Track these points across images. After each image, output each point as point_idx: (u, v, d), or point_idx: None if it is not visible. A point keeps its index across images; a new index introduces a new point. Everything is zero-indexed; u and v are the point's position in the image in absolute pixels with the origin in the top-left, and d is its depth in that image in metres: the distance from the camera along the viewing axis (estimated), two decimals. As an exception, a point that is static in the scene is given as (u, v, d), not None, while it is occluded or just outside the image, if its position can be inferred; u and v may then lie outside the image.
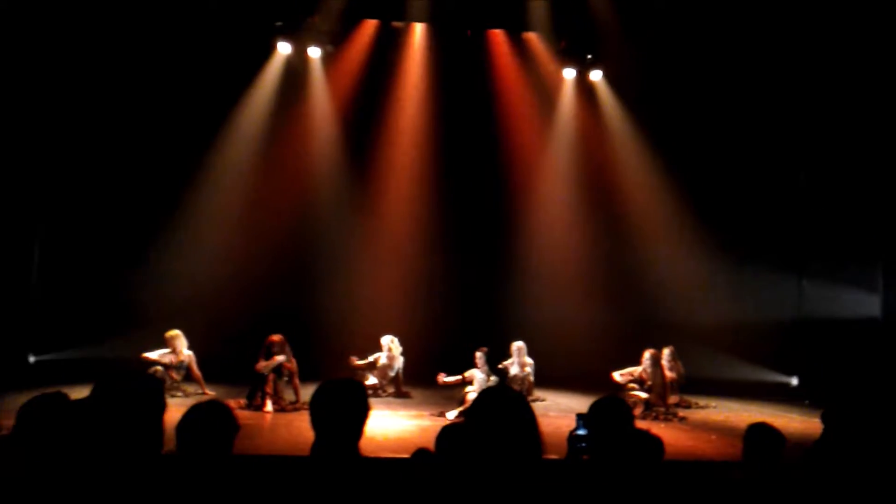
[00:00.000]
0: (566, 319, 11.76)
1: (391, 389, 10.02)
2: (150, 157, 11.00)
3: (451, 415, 8.21)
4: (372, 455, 5.52)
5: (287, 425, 7.42)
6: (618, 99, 12.28)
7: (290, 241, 11.49)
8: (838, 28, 10.04)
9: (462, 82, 11.89)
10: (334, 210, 12.02)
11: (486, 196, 12.31)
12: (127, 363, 8.88)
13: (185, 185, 11.14)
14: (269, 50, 11.31)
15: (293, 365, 8.71)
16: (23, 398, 2.61)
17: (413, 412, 8.55)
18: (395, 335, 10.12)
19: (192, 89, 10.85)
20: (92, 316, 10.52)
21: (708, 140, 11.66)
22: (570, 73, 12.06)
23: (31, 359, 10.51)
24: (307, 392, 2.48)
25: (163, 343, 9.24)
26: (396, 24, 11.73)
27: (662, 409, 8.69)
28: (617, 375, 9.12)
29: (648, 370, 8.81)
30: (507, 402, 2.12)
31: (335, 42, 11.52)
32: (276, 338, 8.66)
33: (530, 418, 2.09)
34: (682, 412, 8.97)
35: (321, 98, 12.00)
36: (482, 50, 11.96)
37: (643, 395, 8.78)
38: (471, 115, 12.06)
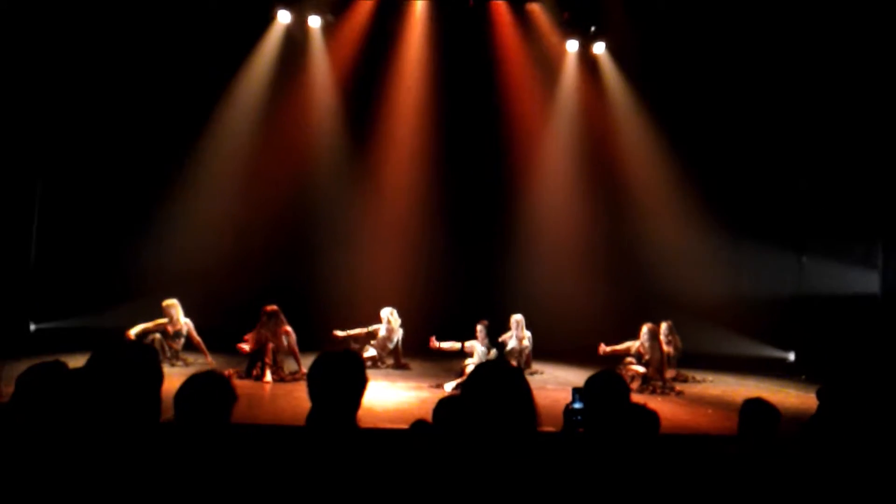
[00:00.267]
0: (565, 293, 11.78)
1: (390, 361, 10.08)
2: (149, 126, 10.93)
3: (449, 386, 8.27)
4: (370, 426, 5.57)
5: (286, 395, 7.47)
6: (620, 72, 12.17)
7: (290, 213, 11.48)
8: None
9: (464, 54, 11.76)
10: (334, 181, 11.98)
11: (486, 169, 12.26)
12: (124, 333, 8.90)
13: (184, 156, 11.11)
14: (269, 19, 11.19)
15: (291, 335, 8.75)
16: (23, 366, 2.63)
17: (412, 384, 8.61)
18: (395, 307, 10.15)
19: (191, 59, 10.75)
20: (92, 285, 10.55)
21: (710, 115, 11.57)
22: (572, 46, 11.95)
23: (32, 327, 10.55)
24: (308, 363, 2.48)
25: (161, 312, 9.27)
26: (398, -7, 11.59)
27: (660, 383, 8.75)
28: (605, 347, 9.20)
29: (646, 344, 8.86)
30: (502, 376, 2.13)
31: (336, 11, 11.38)
32: (271, 308, 8.72)
33: (526, 392, 2.10)
34: (679, 386, 9.03)
35: (321, 68, 11.88)
36: (484, 21, 11.79)
37: (640, 368, 8.84)
38: (472, 88, 11.95)
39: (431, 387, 8.37)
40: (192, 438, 2.30)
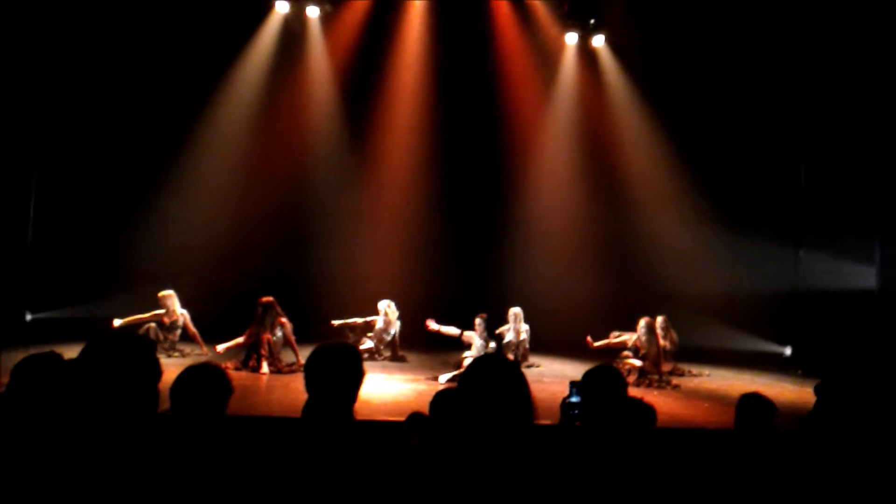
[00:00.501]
0: (563, 286, 11.79)
1: (387, 353, 10.09)
2: (146, 117, 10.87)
3: (444, 378, 8.29)
4: (367, 418, 5.57)
5: (283, 387, 7.48)
6: (620, 66, 12.14)
7: (287, 203, 11.45)
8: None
9: (462, 45, 11.72)
10: (332, 172, 11.94)
11: (485, 162, 12.23)
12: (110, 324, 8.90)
13: (181, 146, 11.05)
14: (267, 9, 11.13)
15: (287, 326, 8.75)
16: (19, 356, 2.62)
17: (409, 376, 8.61)
18: (393, 300, 10.15)
19: (189, 49, 10.68)
20: (89, 275, 10.52)
21: (708, 109, 11.55)
22: (572, 38, 11.90)
23: (28, 317, 10.53)
24: (305, 354, 2.48)
25: (157, 303, 9.25)
26: (397, -16, 11.54)
27: (656, 377, 8.77)
28: (592, 340, 9.25)
29: (643, 338, 8.88)
30: (499, 369, 2.12)
31: (334, 1, 11.32)
32: (266, 299, 8.73)
33: (522, 385, 2.10)
34: (675, 380, 9.05)
35: (319, 59, 11.82)
36: (483, 12, 11.75)
37: (637, 362, 8.86)
38: (471, 80, 11.91)
39: (428, 379, 8.38)
40: (188, 430, 2.30)
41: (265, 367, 8.31)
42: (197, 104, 11.13)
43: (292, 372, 8.29)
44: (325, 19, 11.55)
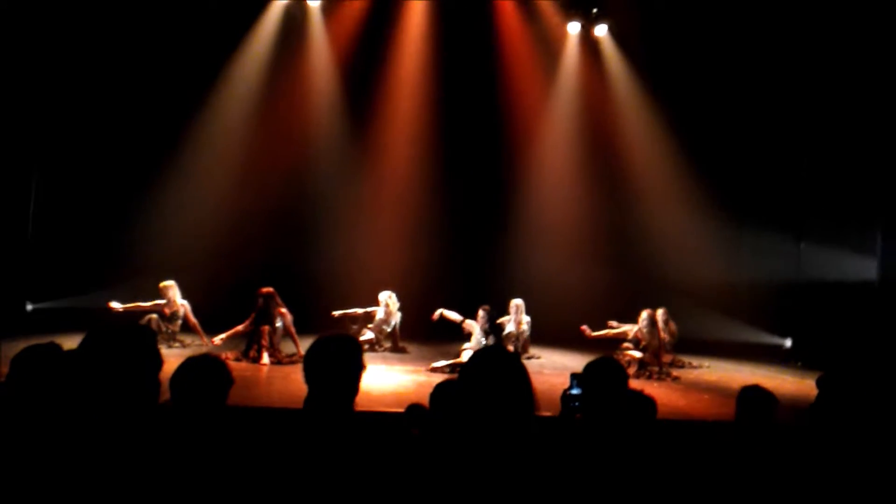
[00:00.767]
0: (564, 277, 11.79)
1: (388, 344, 10.09)
2: (146, 108, 10.84)
3: (438, 364, 8.32)
4: (366, 409, 5.57)
5: (283, 378, 7.48)
6: (622, 55, 12.09)
7: (288, 194, 11.42)
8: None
9: (464, 35, 11.67)
10: (333, 163, 11.92)
11: (486, 152, 12.21)
12: (118, 314, 8.89)
13: (182, 135, 11.02)
14: (268, -2, 11.09)
15: (287, 316, 8.75)
16: (20, 346, 2.62)
17: (409, 367, 8.63)
18: (394, 291, 10.15)
19: (188, 39, 10.62)
20: (90, 265, 10.52)
21: (711, 100, 11.52)
22: (574, 28, 11.86)
23: (29, 307, 10.53)
24: (306, 345, 2.47)
25: (158, 294, 9.25)
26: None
27: (656, 369, 8.77)
28: (589, 330, 9.25)
29: (644, 330, 8.87)
30: (500, 360, 2.12)
31: (335, -9, 11.29)
32: (266, 290, 8.72)
33: (523, 376, 2.10)
34: (675, 372, 9.04)
35: (320, 49, 11.77)
36: (485, 2, 11.70)
37: (637, 354, 8.86)
38: (473, 70, 11.87)
39: (428, 370, 8.39)
40: (188, 421, 2.30)
41: (265, 358, 8.31)
42: (197, 95, 11.08)
43: (293, 363, 8.29)
44: (326, 8, 11.51)
